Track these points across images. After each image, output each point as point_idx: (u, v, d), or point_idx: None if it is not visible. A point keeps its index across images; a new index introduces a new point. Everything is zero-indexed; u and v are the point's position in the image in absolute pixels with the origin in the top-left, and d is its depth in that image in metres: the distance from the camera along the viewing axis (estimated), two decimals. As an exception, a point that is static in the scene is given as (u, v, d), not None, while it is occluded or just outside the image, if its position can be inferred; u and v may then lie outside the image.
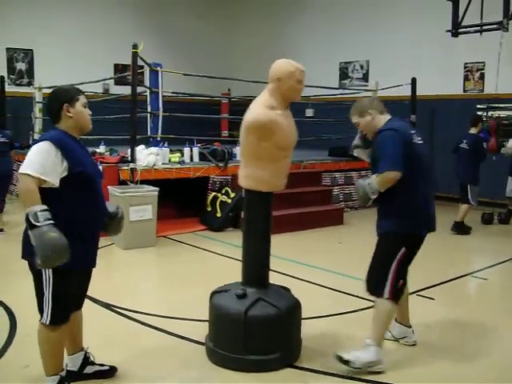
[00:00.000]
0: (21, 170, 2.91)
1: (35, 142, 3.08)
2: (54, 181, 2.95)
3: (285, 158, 3.73)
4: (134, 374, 3.57)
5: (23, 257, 3.09)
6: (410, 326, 4.06)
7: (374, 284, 3.70)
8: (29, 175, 2.87)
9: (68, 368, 3.35)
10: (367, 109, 3.74)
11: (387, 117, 3.77)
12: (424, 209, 3.71)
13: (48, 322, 3.06)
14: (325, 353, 3.87)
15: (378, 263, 3.71)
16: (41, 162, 2.91)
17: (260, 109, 3.57)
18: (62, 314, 3.10)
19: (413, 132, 3.74)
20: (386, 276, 3.61)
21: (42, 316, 3.08)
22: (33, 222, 2.77)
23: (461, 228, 8.29)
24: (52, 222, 2.82)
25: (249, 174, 3.70)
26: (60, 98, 3.15)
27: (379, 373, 3.59)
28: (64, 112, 3.12)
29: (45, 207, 2.83)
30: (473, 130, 8.56)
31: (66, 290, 3.06)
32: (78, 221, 3.04)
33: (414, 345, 4.02)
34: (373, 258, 3.77)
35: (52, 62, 12.38)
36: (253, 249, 3.83)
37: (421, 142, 3.74)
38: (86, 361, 3.44)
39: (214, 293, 3.92)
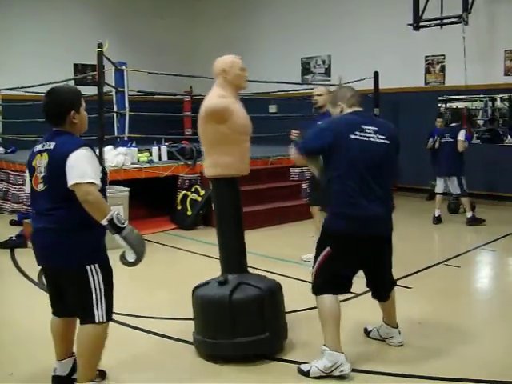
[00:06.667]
0: (79, 180, 2.92)
1: (69, 148, 3.01)
2: (100, 184, 3.03)
3: (245, 142, 3.95)
4: (124, 377, 3.56)
5: (73, 264, 3.09)
6: (396, 327, 4.01)
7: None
8: (92, 183, 2.94)
9: (56, 373, 3.31)
10: (339, 101, 3.85)
11: (349, 110, 3.74)
12: (354, 210, 3.49)
13: (105, 319, 3.11)
14: (309, 344, 3.92)
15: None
16: (92, 168, 3.01)
17: (214, 98, 3.85)
18: (112, 307, 3.20)
19: (363, 128, 3.57)
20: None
21: (92, 318, 3.07)
22: (119, 225, 2.97)
23: (477, 219, 8.39)
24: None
25: (213, 162, 3.88)
26: (68, 103, 3.12)
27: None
28: (70, 118, 3.12)
29: (116, 211, 3.00)
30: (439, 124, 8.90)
31: (111, 282, 3.20)
32: None
33: (399, 345, 3.95)
34: None
35: (9, 64, 12.06)
36: (227, 236, 3.93)
37: (369, 139, 3.56)
38: (76, 366, 3.35)
39: (195, 288, 3.97)
